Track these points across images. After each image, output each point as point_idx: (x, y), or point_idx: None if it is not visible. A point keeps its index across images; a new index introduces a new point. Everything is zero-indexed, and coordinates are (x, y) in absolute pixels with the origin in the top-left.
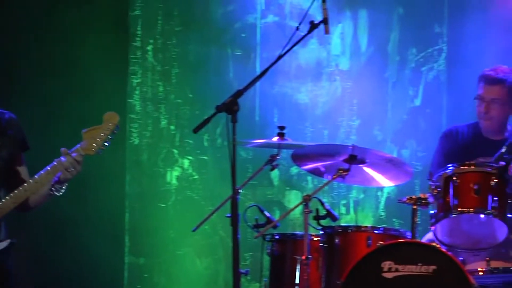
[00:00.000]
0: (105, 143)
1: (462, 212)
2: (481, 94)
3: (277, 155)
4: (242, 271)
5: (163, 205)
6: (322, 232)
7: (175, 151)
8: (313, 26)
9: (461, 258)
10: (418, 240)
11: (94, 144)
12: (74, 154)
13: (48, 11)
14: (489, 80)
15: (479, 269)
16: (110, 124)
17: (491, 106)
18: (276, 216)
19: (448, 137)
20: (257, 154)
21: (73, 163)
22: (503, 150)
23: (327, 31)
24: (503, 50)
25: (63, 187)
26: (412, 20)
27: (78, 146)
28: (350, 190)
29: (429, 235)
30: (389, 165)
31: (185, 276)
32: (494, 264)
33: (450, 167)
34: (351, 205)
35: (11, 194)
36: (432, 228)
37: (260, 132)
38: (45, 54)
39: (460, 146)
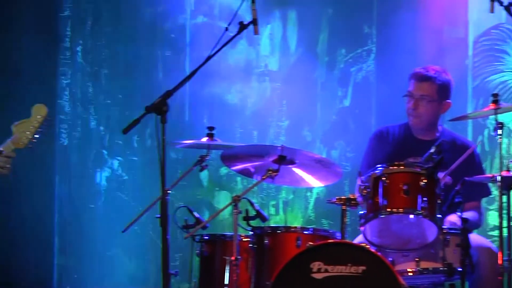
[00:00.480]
0: (35, 136)
1: (391, 213)
2: (410, 91)
3: (207, 155)
4: (172, 271)
5: (92, 206)
6: (252, 232)
7: (105, 152)
8: (242, 26)
9: (391, 259)
10: (347, 240)
11: (24, 138)
12: (4, 152)
13: None
14: (419, 77)
15: (409, 270)
16: (38, 116)
17: (420, 103)
18: (206, 217)
19: (378, 137)
20: (187, 155)
21: (5, 160)
22: (432, 150)
23: (256, 32)
24: (432, 51)
25: None
26: (341, 20)
27: (8, 140)
28: (279, 191)
29: (361, 237)
30: (318, 165)
31: (115, 277)
32: (424, 264)
33: (379, 168)
34: (281, 205)
35: None
36: (362, 228)
37: (189, 133)
38: None
39: (391, 146)
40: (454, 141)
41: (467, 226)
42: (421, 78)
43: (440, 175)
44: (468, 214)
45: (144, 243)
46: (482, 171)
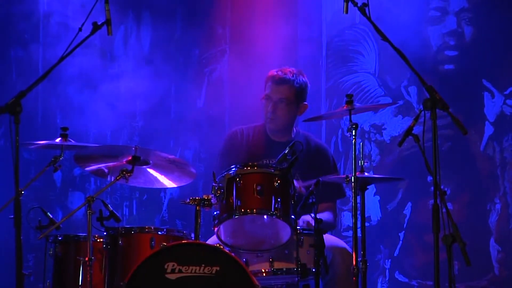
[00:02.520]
0: None
1: (245, 213)
2: (268, 94)
3: (60, 156)
4: (25, 272)
5: None
6: (106, 233)
7: None
8: (96, 27)
9: (245, 259)
10: (201, 241)
11: None
12: None
13: None
14: (277, 80)
15: (263, 270)
16: None
17: (278, 106)
18: (59, 218)
19: (232, 138)
20: (40, 155)
21: None
22: (286, 151)
23: (109, 32)
24: (286, 50)
25: None
26: (196, 21)
27: None
28: (133, 191)
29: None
30: (172, 166)
31: None
32: (278, 265)
33: (233, 168)
34: (135, 206)
35: None
36: (215, 229)
37: (43, 133)
38: None
39: (245, 147)
40: (308, 141)
41: (322, 227)
42: (279, 81)
43: (296, 183)
44: (323, 215)
45: None
46: (336, 172)
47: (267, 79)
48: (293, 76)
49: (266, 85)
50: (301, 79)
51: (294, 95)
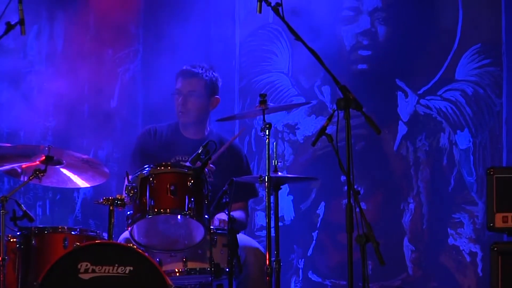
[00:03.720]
0: None
1: (158, 213)
2: (178, 88)
3: None
4: None
5: None
6: (19, 233)
7: None
8: (9, 27)
9: (158, 259)
10: (114, 241)
11: None
12: None
13: None
14: (186, 74)
15: (176, 270)
16: None
17: (189, 99)
18: None
19: (145, 137)
20: None
21: None
22: (200, 151)
23: (23, 32)
24: (199, 50)
25: None
26: (109, 21)
27: None
28: (47, 191)
29: (126, 234)
30: (85, 166)
31: None
32: (191, 265)
33: (146, 168)
34: (48, 206)
35: None
36: (129, 229)
37: None
38: None
39: (159, 145)
40: (221, 141)
41: (235, 226)
42: (188, 74)
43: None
44: (235, 214)
45: None
46: (249, 171)
47: (177, 75)
48: (202, 69)
49: (176, 80)
50: (210, 73)
51: (204, 88)
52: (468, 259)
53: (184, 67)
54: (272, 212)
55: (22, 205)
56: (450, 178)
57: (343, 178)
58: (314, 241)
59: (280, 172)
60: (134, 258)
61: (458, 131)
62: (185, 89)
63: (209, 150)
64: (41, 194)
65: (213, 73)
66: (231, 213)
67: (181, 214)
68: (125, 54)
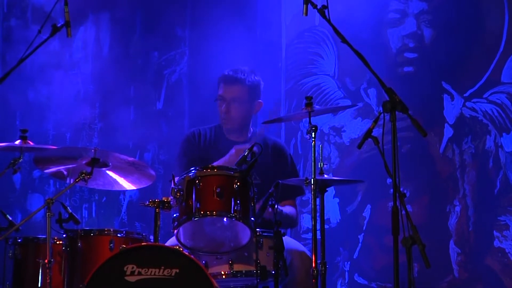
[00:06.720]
0: None
1: (204, 216)
2: (221, 94)
3: (19, 158)
4: None
5: None
6: (65, 235)
7: None
8: (55, 29)
9: (204, 261)
10: (160, 243)
11: None
12: None
13: None
14: (228, 80)
15: (222, 272)
16: None
17: (232, 106)
18: (19, 220)
19: (189, 140)
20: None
21: None
22: (245, 153)
23: (69, 34)
24: (245, 53)
25: None
26: (155, 23)
27: None
28: (93, 194)
29: (173, 239)
30: (131, 168)
31: None
32: (237, 267)
33: (193, 170)
34: (94, 208)
35: None
36: (175, 231)
37: (1, 136)
38: None
39: (203, 148)
40: (266, 142)
41: (284, 220)
42: (231, 80)
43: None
44: (286, 209)
45: None
46: (294, 171)
47: (219, 80)
48: (244, 74)
49: (218, 86)
50: (252, 77)
51: (247, 93)
52: None
53: (226, 72)
54: (318, 214)
55: (68, 208)
56: (496, 181)
57: (389, 180)
58: (360, 244)
59: (326, 174)
60: (180, 261)
61: (504, 134)
62: (227, 95)
63: (255, 153)
64: (87, 197)
65: (255, 77)
66: (279, 208)
67: (227, 217)
68: (172, 56)
